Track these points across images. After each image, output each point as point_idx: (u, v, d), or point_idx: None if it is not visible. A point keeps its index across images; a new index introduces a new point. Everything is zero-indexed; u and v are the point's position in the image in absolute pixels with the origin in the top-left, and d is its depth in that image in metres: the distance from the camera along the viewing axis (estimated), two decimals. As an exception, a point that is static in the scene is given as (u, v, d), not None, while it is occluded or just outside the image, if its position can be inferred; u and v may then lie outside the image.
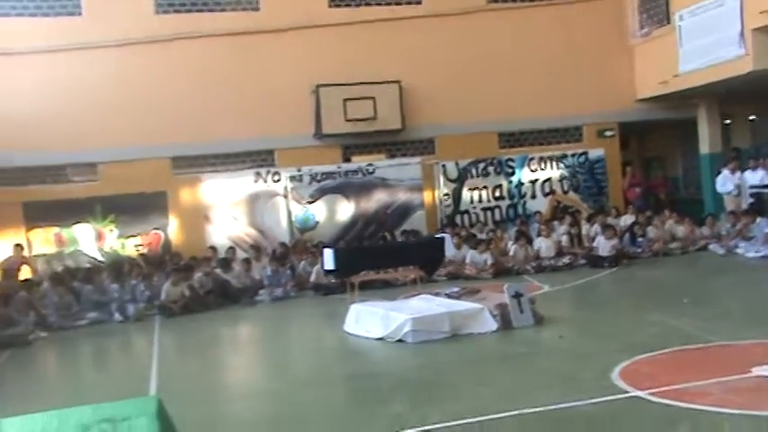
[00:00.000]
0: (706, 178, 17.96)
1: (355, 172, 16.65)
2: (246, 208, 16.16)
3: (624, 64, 18.33)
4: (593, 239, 15.43)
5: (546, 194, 17.85)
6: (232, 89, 16.02)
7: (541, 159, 17.83)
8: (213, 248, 15.49)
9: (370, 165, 16.75)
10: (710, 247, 15.27)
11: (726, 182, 16.24)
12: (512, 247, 15.21)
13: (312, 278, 14.27)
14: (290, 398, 7.26)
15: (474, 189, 17.40)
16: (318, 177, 16.39)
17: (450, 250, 14.36)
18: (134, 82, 15.54)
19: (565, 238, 15.55)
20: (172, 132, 15.66)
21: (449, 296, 10.35)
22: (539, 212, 17.23)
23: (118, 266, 14.31)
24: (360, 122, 16.20)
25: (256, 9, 16.41)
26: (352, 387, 7.59)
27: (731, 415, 5.35)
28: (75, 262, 15.10)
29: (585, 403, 5.93)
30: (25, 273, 14.52)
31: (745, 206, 15.89)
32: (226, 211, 16.06)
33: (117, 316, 13.07)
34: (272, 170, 16.34)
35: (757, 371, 6.34)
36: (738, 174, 16.17)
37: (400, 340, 8.95)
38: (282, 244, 15.78)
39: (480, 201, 17.43)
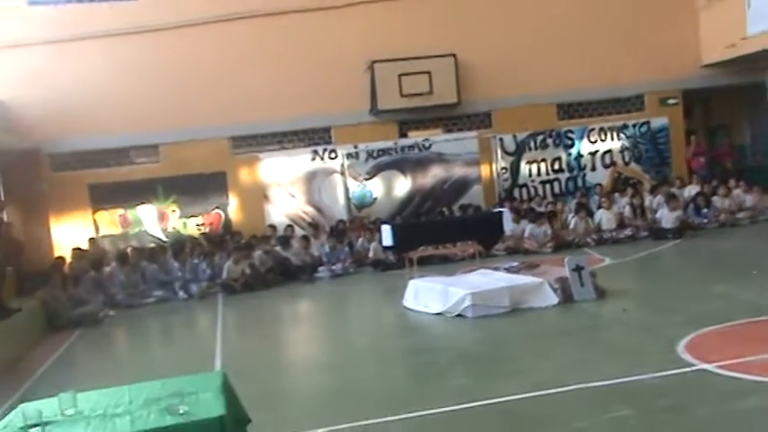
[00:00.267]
0: (775, 145, 17.35)
1: (412, 147, 16.59)
2: (304, 186, 16.28)
3: (688, 28, 17.70)
4: (655, 211, 15.10)
5: (606, 166, 17.49)
6: (288, 68, 16.07)
7: (601, 130, 17.45)
8: (273, 227, 15.68)
9: (426, 140, 16.67)
10: (780, 215, 14.80)
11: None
12: (572, 220, 15.01)
13: (370, 254, 14.35)
14: (350, 372, 7.34)
15: (532, 162, 17.16)
16: (375, 154, 16.40)
17: (508, 224, 14.24)
18: (192, 63, 15.71)
19: (627, 210, 15.27)
20: (230, 113, 15.82)
21: (508, 270, 10.28)
22: (599, 185, 16.92)
23: (180, 246, 14.61)
24: (415, 97, 16.08)
25: (311, -14, 16.40)
26: (412, 361, 7.63)
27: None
28: (139, 242, 15.46)
29: (652, 376, 5.85)
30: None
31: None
32: (284, 189, 16.20)
33: (181, 294, 13.39)
34: (329, 148, 16.41)
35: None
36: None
37: (459, 315, 8.95)
38: (341, 221, 15.88)
39: (539, 174, 17.18)
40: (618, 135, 17.48)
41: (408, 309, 9.90)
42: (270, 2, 16.06)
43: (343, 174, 16.33)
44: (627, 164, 17.57)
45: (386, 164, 16.44)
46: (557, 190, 17.19)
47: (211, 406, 3.88)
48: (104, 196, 15.57)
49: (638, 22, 17.21)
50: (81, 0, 15.66)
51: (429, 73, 16.09)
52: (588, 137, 17.38)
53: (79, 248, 14.57)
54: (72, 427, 3.83)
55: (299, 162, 16.28)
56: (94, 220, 15.62)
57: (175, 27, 15.68)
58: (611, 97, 17.72)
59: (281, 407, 6.29)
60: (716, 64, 17.35)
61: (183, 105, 15.62)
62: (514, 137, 17.04)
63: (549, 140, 17.23)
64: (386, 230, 12.33)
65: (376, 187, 16.42)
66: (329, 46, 16.15)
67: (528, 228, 14.67)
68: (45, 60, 15.09)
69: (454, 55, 16.32)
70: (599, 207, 15.40)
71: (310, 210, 16.27)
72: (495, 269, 10.44)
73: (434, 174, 16.62)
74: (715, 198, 15.58)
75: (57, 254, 14.47)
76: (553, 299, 9.04)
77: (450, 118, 17.14)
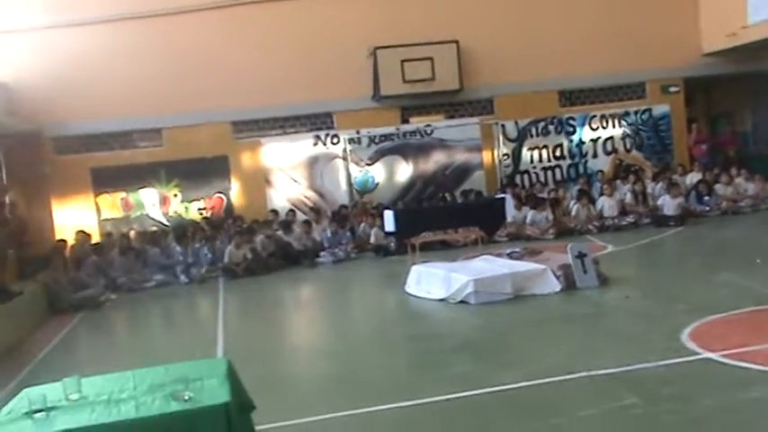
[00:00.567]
0: (777, 133, 17.31)
1: (414, 133, 16.54)
2: (306, 171, 16.24)
3: (689, 17, 17.64)
4: (657, 198, 15.08)
5: (608, 153, 17.46)
6: (291, 53, 16.00)
7: (603, 117, 17.40)
8: (274, 211, 15.65)
9: (428, 126, 16.62)
10: (782, 204, 14.79)
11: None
12: (573, 207, 14.98)
13: (372, 240, 14.33)
14: (353, 358, 7.33)
15: (534, 149, 17.11)
16: (377, 139, 16.35)
17: (510, 211, 14.21)
18: (196, 48, 15.64)
19: (629, 197, 15.25)
20: (232, 97, 15.76)
21: (510, 256, 10.26)
22: (600, 171, 16.90)
23: (182, 230, 14.59)
24: (418, 83, 16.02)
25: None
26: (415, 348, 7.61)
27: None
28: (141, 226, 15.44)
29: (656, 365, 5.85)
30: (95, 237, 14.95)
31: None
32: (286, 174, 16.16)
33: (182, 278, 13.39)
34: (331, 133, 16.35)
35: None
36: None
37: (462, 301, 8.94)
38: (343, 206, 15.86)
39: (540, 160, 17.15)
40: (619, 122, 17.45)
41: (410, 294, 9.89)
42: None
43: (345, 159, 16.29)
44: (628, 151, 17.54)
45: (388, 149, 16.40)
46: (558, 176, 17.18)
47: (216, 392, 3.86)
48: (107, 180, 15.54)
49: (640, 11, 17.16)
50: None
51: (431, 59, 16.04)
52: (590, 124, 17.34)
53: (83, 231, 14.55)
54: (77, 412, 3.81)
55: (301, 147, 16.24)
56: (96, 204, 15.61)
57: (180, 12, 15.62)
58: (612, 84, 17.70)
59: (284, 393, 6.28)
60: (717, 52, 17.31)
61: (186, 89, 15.56)
62: (516, 123, 17.00)
63: (551, 127, 17.18)
64: (388, 216, 12.31)
65: (378, 172, 16.38)
66: (332, 31, 16.08)
67: (529, 214, 14.65)
68: (49, 43, 15.03)
69: (457, 41, 16.27)
70: (601, 194, 15.38)
71: (312, 194, 16.25)
72: (498, 255, 10.41)
73: (436, 159, 16.59)
74: (717, 186, 15.57)
75: (58, 237, 14.44)
76: (556, 286, 9.03)
77: (453, 104, 17.10)
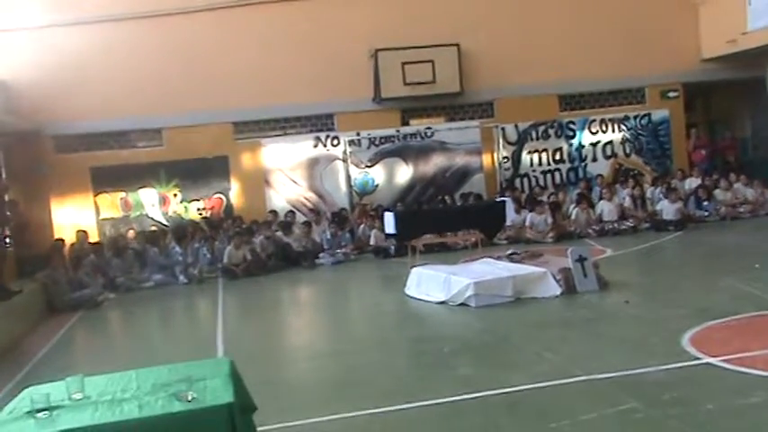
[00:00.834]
0: (776, 139, 17.35)
1: (414, 135, 16.56)
2: (306, 172, 16.24)
3: (689, 23, 17.70)
4: (656, 203, 15.10)
5: (607, 157, 17.50)
6: (292, 54, 16.00)
7: (603, 121, 17.45)
8: (274, 212, 15.65)
9: (428, 128, 16.64)
10: (781, 210, 14.82)
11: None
12: (573, 211, 15.00)
13: (372, 241, 14.34)
14: (353, 360, 7.31)
15: (534, 152, 17.14)
16: (377, 141, 16.36)
17: (511, 214, 14.23)
18: (197, 48, 15.65)
19: (628, 201, 15.27)
20: (233, 98, 15.76)
21: (511, 258, 10.26)
22: (600, 176, 16.92)
23: (181, 230, 14.58)
24: (418, 86, 16.03)
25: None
26: (416, 350, 7.60)
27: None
28: (140, 226, 15.42)
29: (657, 369, 5.85)
30: (94, 237, 14.94)
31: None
32: (286, 175, 16.17)
33: (181, 278, 13.38)
34: (332, 134, 16.36)
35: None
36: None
37: (462, 304, 8.93)
38: (342, 209, 15.85)
39: (540, 164, 17.17)
40: (619, 127, 17.51)
41: (410, 297, 9.88)
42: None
43: (345, 160, 16.30)
44: (628, 155, 17.59)
45: (388, 151, 16.41)
46: (558, 180, 17.20)
47: (220, 393, 3.85)
48: (106, 179, 15.52)
49: (640, 16, 17.20)
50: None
51: (432, 62, 16.06)
52: (589, 128, 17.38)
53: (83, 231, 14.54)
54: (80, 412, 3.78)
55: (302, 148, 16.25)
56: (96, 203, 15.59)
57: (181, 12, 15.62)
58: (612, 89, 17.75)
59: (284, 394, 6.27)
60: (716, 58, 17.36)
61: (186, 90, 15.55)
62: (516, 126, 17.02)
63: (551, 131, 17.21)
64: (389, 218, 12.32)
65: (378, 174, 16.39)
66: (334, 33, 16.09)
67: (528, 216, 14.67)
68: (48, 42, 15.02)
69: (458, 44, 16.30)
70: (600, 198, 15.41)
71: (312, 196, 16.25)
72: (498, 258, 10.41)
73: (436, 162, 16.60)
74: (717, 191, 15.59)
75: (57, 236, 14.42)
76: (556, 289, 9.03)
77: (453, 107, 17.12)
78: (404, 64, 15.93)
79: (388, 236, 13.06)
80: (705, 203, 15.21)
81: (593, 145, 17.40)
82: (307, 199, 16.24)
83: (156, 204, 15.82)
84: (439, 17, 16.42)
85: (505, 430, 5.11)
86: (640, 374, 5.78)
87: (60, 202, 15.33)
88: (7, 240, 12.29)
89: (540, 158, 17.16)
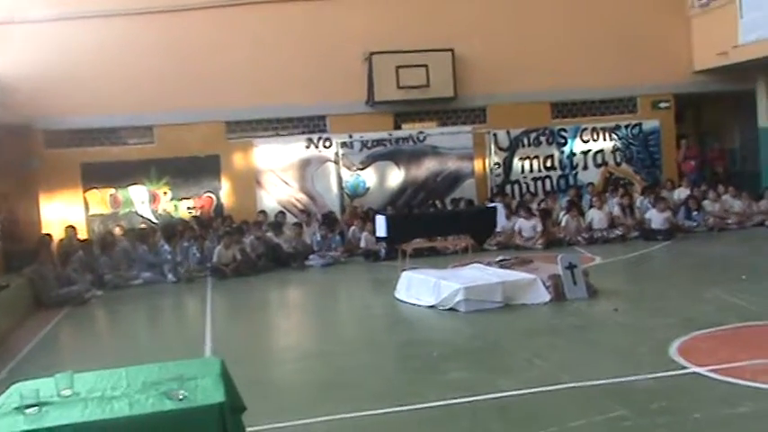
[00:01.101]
0: (764, 152, 17.45)
1: (406, 139, 16.58)
2: (297, 173, 16.23)
3: (681, 35, 17.83)
4: (645, 212, 15.19)
5: (598, 166, 17.58)
6: (286, 55, 16.00)
7: (594, 130, 17.53)
8: (263, 212, 15.61)
9: (421, 132, 16.66)
10: (768, 222, 14.94)
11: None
12: (563, 218, 15.05)
13: (362, 244, 14.34)
14: (342, 362, 7.31)
15: (525, 159, 17.20)
16: (369, 144, 16.37)
17: (502, 220, 14.29)
18: (191, 47, 15.60)
19: (617, 210, 15.34)
20: (226, 97, 15.73)
21: (501, 264, 10.28)
22: (591, 184, 17.00)
23: (171, 228, 14.53)
24: (412, 90, 16.05)
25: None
26: (405, 354, 7.61)
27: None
28: (129, 223, 15.35)
29: (644, 378, 5.89)
30: (83, 233, 14.87)
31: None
32: (277, 176, 16.15)
33: (170, 277, 13.32)
34: (324, 136, 16.35)
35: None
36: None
37: (452, 309, 8.95)
38: (330, 212, 15.84)
39: (531, 171, 17.23)
40: (610, 135, 17.59)
41: (400, 300, 9.89)
42: (270, -12, 15.97)
43: (336, 162, 16.30)
44: (618, 164, 17.67)
45: (380, 154, 16.43)
46: (548, 187, 17.25)
47: (211, 392, 3.84)
48: (96, 175, 15.45)
49: (634, 27, 17.29)
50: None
51: (426, 66, 16.09)
52: (581, 136, 17.46)
53: (72, 227, 14.47)
54: (69, 408, 3.76)
55: (294, 149, 16.23)
56: (85, 199, 15.52)
57: (175, 9, 15.58)
58: (604, 98, 17.83)
59: (272, 395, 6.26)
60: (708, 70, 17.48)
61: (179, 87, 15.51)
62: (508, 133, 17.08)
63: (543, 138, 17.27)
64: (380, 221, 12.32)
65: (369, 177, 16.40)
66: (328, 35, 16.10)
67: (518, 222, 14.72)
68: (41, 36, 14.95)
69: (452, 50, 16.34)
70: (590, 206, 15.47)
71: (303, 197, 16.23)
72: (488, 264, 10.43)
73: (428, 166, 16.63)
74: (706, 202, 15.68)
75: (45, 231, 14.33)
76: (545, 296, 9.06)
77: (446, 112, 17.15)
78: (398, 68, 15.95)
79: (379, 239, 13.06)
80: (695, 214, 15.30)
81: (585, 153, 17.47)
82: (297, 200, 16.23)
83: (146, 202, 15.76)
84: (434, 22, 16.46)
85: (494, 435, 5.13)
86: (629, 382, 5.82)
87: (49, 197, 15.25)
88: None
89: (531, 165, 17.22)
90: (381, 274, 12.13)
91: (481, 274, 9.68)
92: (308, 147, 16.26)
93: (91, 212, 15.52)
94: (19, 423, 3.65)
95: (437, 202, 16.30)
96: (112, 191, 15.61)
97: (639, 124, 17.72)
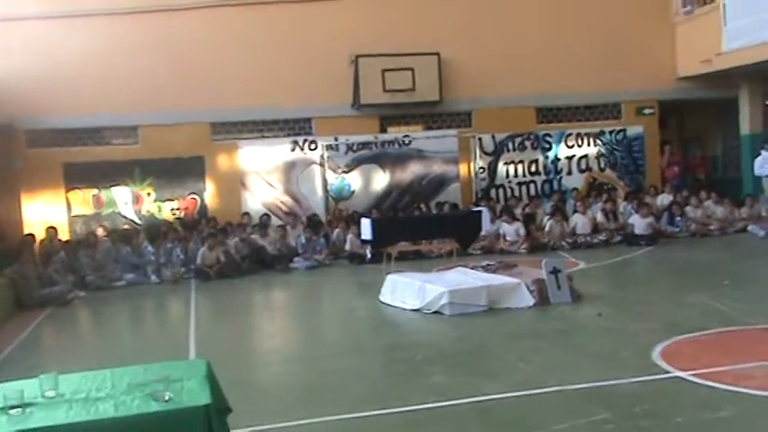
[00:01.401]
0: (746, 158, 17.64)
1: (391, 143, 16.61)
2: (282, 176, 16.22)
3: (665, 41, 17.99)
4: (628, 217, 15.30)
5: (582, 171, 17.68)
6: (272, 57, 15.99)
7: (578, 135, 17.64)
8: (248, 214, 15.58)
9: (406, 136, 16.69)
10: (749, 228, 15.10)
11: (764, 164, 15.91)
12: (547, 223, 15.12)
13: (347, 246, 14.33)
14: (326, 365, 7.31)
15: (510, 163, 17.27)
16: (355, 147, 16.38)
17: (486, 224, 14.32)
18: (177, 48, 15.56)
19: (600, 215, 15.44)
20: (211, 98, 15.68)
21: (485, 269, 10.32)
22: (576, 189, 17.10)
23: (155, 229, 14.46)
24: (398, 93, 16.08)
25: (297, -23, 16.31)
26: (388, 357, 7.61)
27: (777, 399, 5.31)
28: (112, 224, 15.27)
29: (627, 382, 5.92)
30: (65, 234, 14.76)
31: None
32: (262, 178, 16.12)
33: (153, 278, 13.27)
34: (309, 139, 16.35)
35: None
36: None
37: (437, 312, 8.97)
38: (314, 215, 15.83)
39: (516, 175, 17.31)
40: (594, 141, 17.70)
41: (384, 303, 9.90)
42: (257, -10, 15.96)
43: (322, 165, 16.30)
44: (602, 170, 17.78)
45: (365, 158, 16.44)
46: (532, 192, 17.33)
47: (197, 394, 3.83)
48: (79, 175, 15.37)
49: (618, 34, 17.43)
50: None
51: (412, 70, 16.14)
52: (565, 141, 17.55)
53: (53, 227, 14.36)
54: (54, 409, 3.74)
55: (279, 151, 16.23)
56: (67, 199, 15.42)
57: (161, 10, 15.53)
58: (589, 104, 17.95)
59: (256, 397, 6.24)
60: (691, 77, 17.67)
61: (164, 88, 15.46)
62: (493, 137, 17.15)
63: (528, 143, 17.35)
64: (365, 224, 12.34)
65: (354, 180, 16.41)
66: (314, 37, 16.11)
67: (502, 226, 14.78)
68: (25, 36, 14.89)
69: (438, 54, 16.38)
70: (574, 211, 15.55)
71: (287, 199, 16.22)
72: (473, 268, 10.46)
73: (413, 170, 16.67)
74: (688, 208, 15.82)
75: (27, 232, 14.22)
76: (529, 300, 9.10)
77: (432, 115, 17.20)
78: (384, 71, 15.98)
79: (365, 242, 13.08)
80: (677, 219, 15.42)
81: (569, 158, 17.57)
82: (282, 202, 16.21)
83: (130, 203, 15.68)
84: (420, 26, 16.51)
85: (478, 438, 5.14)
86: (612, 386, 5.85)
87: (31, 197, 15.15)
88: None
89: (516, 170, 17.30)
90: (366, 277, 12.13)
91: (466, 278, 9.71)
92: (293, 149, 16.25)
93: (73, 213, 15.43)
94: (2, 424, 3.63)
95: (422, 205, 16.32)
96: (95, 191, 15.52)
97: (624, 130, 17.85)
